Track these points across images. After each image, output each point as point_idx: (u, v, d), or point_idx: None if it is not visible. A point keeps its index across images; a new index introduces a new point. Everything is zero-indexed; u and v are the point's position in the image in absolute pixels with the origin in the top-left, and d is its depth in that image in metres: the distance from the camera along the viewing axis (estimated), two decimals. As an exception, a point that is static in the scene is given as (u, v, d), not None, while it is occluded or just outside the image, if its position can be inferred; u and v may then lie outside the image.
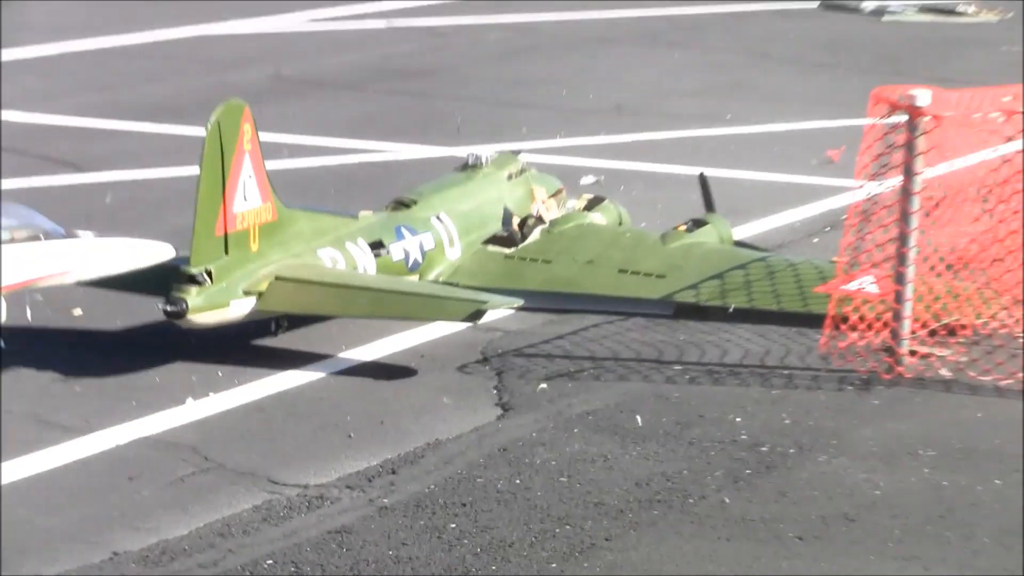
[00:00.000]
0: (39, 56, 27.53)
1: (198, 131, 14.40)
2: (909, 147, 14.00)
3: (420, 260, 15.42)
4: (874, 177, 14.24)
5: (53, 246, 13.18)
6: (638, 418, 13.20)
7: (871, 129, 14.27)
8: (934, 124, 14.00)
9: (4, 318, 12.96)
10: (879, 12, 31.54)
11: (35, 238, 13.12)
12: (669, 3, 32.61)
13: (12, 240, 12.95)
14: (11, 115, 23.31)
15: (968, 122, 15.00)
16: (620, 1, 32.64)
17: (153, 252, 13.80)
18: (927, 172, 14.88)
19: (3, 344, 13.45)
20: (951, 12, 31.68)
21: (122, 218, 18.01)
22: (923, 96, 13.90)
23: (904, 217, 14.02)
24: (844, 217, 14.87)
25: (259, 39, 29.74)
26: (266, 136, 20.78)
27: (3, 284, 12.86)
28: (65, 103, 24.07)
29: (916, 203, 14.04)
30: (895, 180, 14.16)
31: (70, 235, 13.40)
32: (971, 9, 32.01)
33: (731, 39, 29.07)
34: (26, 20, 30.62)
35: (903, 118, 14.03)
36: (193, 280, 13.87)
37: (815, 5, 32.57)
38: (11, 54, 27.35)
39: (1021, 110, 14.69)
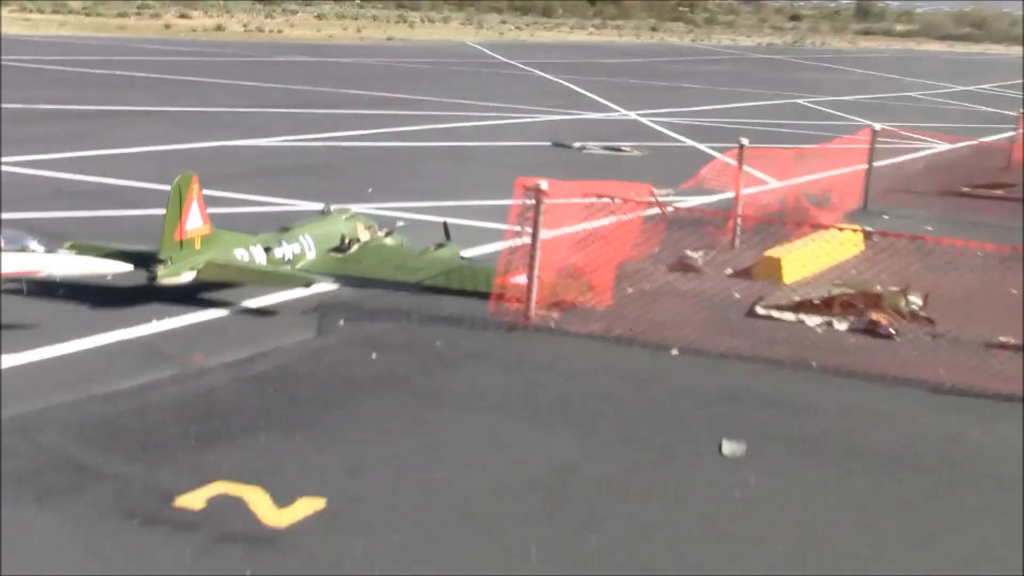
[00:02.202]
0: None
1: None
2: (535, 212, 14.22)
3: (290, 257, 15.56)
4: (520, 226, 14.43)
5: (32, 256, 12.85)
6: (374, 354, 12.99)
7: (517, 205, 14.47)
8: (546, 199, 14.22)
9: None
10: (581, 148, 31.95)
11: (20, 250, 12.81)
12: (463, 140, 32.96)
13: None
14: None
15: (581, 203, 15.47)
16: (437, 140, 32.93)
17: (111, 267, 13.61)
18: (569, 227, 15.26)
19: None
20: (618, 150, 32.04)
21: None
22: (543, 184, 14.19)
23: (532, 248, 14.24)
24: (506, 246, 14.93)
25: (250, 149, 29.59)
26: (243, 195, 20.97)
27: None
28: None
29: (538, 241, 14.22)
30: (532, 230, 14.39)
31: (50, 251, 13.09)
32: (628, 148, 32.37)
33: (496, 160, 29.25)
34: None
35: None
36: (162, 262, 14.02)
37: (549, 144, 32.72)
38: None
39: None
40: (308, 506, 8.87)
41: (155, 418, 10.61)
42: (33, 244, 12.94)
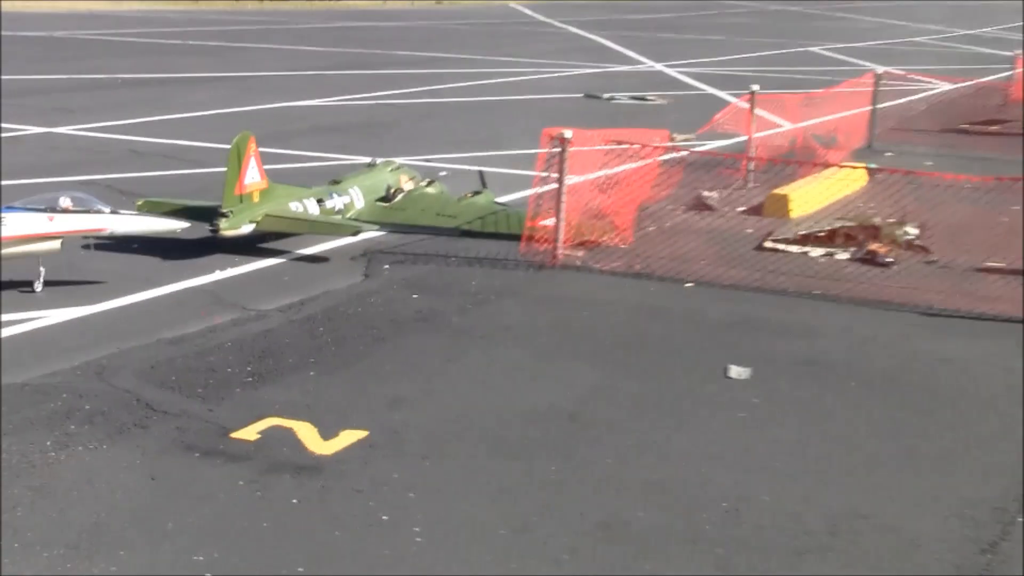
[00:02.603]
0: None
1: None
2: (560, 159, 14.07)
3: (341, 208, 15.55)
4: (546, 172, 14.32)
5: (98, 216, 12.56)
6: (415, 295, 13.00)
7: (544, 153, 14.35)
8: (570, 147, 14.08)
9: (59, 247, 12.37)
10: (610, 98, 31.54)
11: (86, 211, 12.51)
12: (503, 95, 32.53)
13: (67, 211, 12.36)
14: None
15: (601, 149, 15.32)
16: (479, 95, 32.55)
17: (169, 225, 13.35)
18: (592, 173, 15.14)
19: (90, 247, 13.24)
20: (644, 99, 31.63)
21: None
22: (567, 133, 14.05)
23: (559, 192, 14.13)
24: (534, 192, 14.83)
25: (304, 109, 29.46)
26: (296, 152, 20.88)
27: (62, 231, 12.32)
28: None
29: (564, 186, 14.08)
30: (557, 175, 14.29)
31: (114, 212, 12.74)
32: (653, 98, 31.97)
33: (533, 111, 28.77)
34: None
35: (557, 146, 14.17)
36: (223, 215, 14.00)
37: (581, 95, 32.38)
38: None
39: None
40: (351, 437, 8.87)
41: (215, 359, 10.61)
42: (99, 205, 12.87)
